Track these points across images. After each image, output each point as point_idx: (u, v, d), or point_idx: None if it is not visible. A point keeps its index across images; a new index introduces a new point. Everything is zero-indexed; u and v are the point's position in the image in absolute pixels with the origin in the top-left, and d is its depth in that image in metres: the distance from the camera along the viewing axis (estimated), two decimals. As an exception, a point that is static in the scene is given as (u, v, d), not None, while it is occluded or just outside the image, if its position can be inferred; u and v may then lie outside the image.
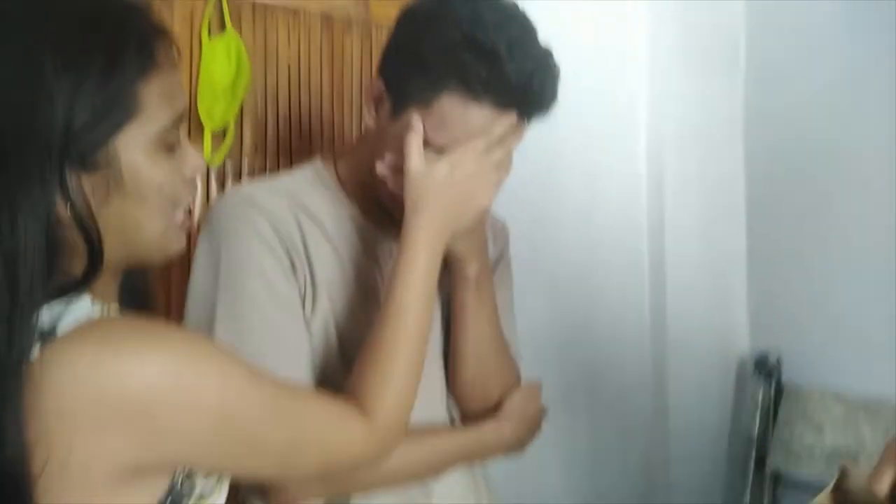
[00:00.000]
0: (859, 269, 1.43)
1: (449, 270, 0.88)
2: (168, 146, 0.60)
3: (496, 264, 0.99)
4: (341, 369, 0.81)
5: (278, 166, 1.24)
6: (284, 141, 1.27)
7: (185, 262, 0.89)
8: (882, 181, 1.38)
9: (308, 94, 1.29)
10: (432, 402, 0.91)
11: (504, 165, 0.81)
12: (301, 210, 0.85)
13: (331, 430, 0.69)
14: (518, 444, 0.97)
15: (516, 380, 0.97)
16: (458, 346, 0.90)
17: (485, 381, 0.91)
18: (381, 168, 0.81)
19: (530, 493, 1.40)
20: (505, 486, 1.09)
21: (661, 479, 1.56)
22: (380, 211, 0.87)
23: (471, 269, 0.87)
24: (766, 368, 1.56)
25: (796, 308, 1.54)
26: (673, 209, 1.53)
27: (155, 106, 0.58)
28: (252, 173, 1.23)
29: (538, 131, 0.83)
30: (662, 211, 1.54)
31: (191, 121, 1.16)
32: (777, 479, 1.54)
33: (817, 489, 1.53)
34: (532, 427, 0.97)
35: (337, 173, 0.91)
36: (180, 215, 0.64)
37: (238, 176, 1.22)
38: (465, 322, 0.89)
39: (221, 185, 1.21)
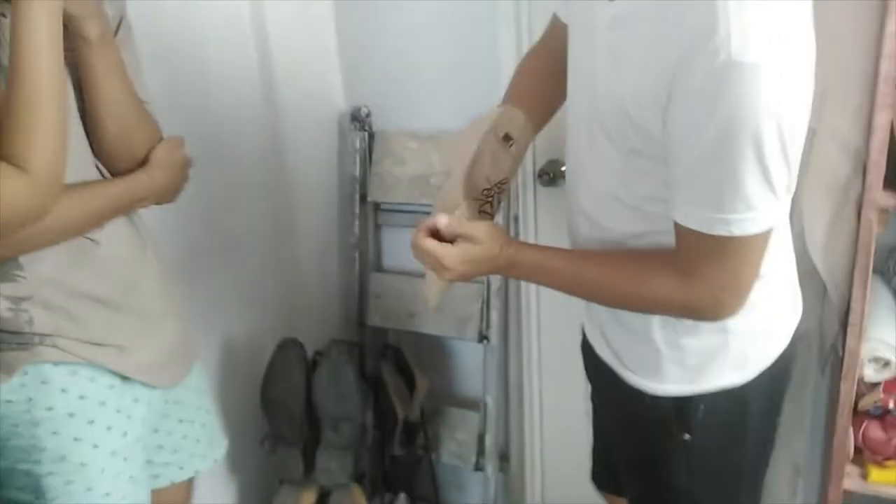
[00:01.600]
0: (428, 30, 1.75)
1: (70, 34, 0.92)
2: None
3: (117, 24, 1.05)
4: None
5: None
6: None
7: None
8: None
9: None
10: (82, 165, 0.98)
11: None
12: None
13: None
14: (170, 191, 1.10)
15: (158, 134, 1.08)
16: (94, 108, 0.97)
17: (128, 138, 1.00)
18: None
19: (175, 242, 1.56)
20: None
21: (287, 222, 1.84)
22: None
23: (91, 30, 0.92)
24: (359, 119, 1.88)
25: (380, 65, 1.84)
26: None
27: None
28: None
29: None
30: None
31: None
32: (377, 207, 1.94)
33: (406, 212, 1.96)
34: (181, 175, 1.12)
35: None
36: None
37: None
38: (96, 83, 0.95)
39: None
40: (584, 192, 1.02)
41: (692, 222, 0.83)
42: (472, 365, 1.93)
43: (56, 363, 0.99)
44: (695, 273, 0.86)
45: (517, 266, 0.98)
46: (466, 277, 0.97)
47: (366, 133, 1.89)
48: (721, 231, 0.81)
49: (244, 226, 1.73)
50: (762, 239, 0.83)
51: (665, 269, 0.89)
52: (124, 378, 1.05)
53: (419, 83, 1.81)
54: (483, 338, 1.79)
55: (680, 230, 0.86)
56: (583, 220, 1.04)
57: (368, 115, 1.89)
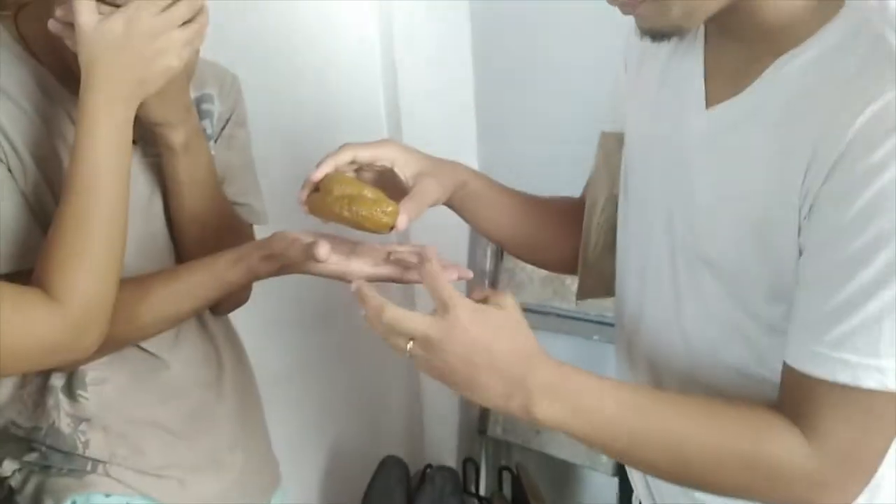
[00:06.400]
0: (563, 124, 1.59)
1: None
2: None
3: (225, 122, 0.97)
4: None
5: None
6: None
7: None
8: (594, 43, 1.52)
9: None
10: None
11: (195, 22, 0.75)
12: None
13: (4, 315, 0.65)
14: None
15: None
16: (175, 215, 0.88)
17: (207, 250, 0.88)
18: (54, 25, 0.73)
19: (285, 345, 1.47)
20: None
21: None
22: (71, 73, 0.78)
23: (174, 136, 0.83)
24: (495, 210, 1.74)
25: (519, 157, 1.71)
26: (405, 64, 1.57)
27: None
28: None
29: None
30: (395, 67, 1.58)
31: None
32: (507, 304, 1.78)
33: (537, 313, 1.75)
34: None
35: (18, 29, 0.81)
36: None
37: None
38: (177, 192, 0.86)
39: None
40: (667, 351, 0.76)
41: (824, 369, 0.59)
42: (603, 500, 1.66)
43: (108, 494, 0.89)
44: (820, 432, 0.61)
45: (559, 395, 0.62)
46: (472, 395, 0.62)
47: (500, 225, 1.73)
48: (871, 382, 0.58)
49: (362, 324, 1.61)
50: None
51: (782, 423, 0.62)
52: (183, 513, 0.94)
53: (560, 177, 1.62)
54: (619, 472, 1.53)
55: (798, 380, 0.62)
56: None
57: (505, 205, 1.73)
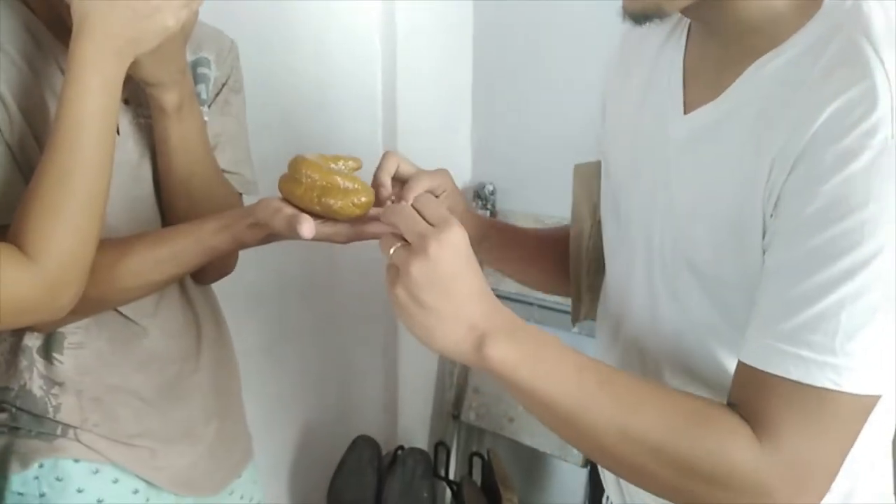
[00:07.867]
0: (557, 115, 1.60)
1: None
2: None
3: (221, 87, 0.94)
4: None
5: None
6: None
7: None
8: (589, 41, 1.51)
9: None
10: None
11: None
12: None
13: None
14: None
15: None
16: (163, 179, 0.86)
17: (195, 216, 0.86)
18: None
19: (267, 316, 1.47)
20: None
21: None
22: (64, 25, 0.75)
23: (167, 98, 0.81)
24: (483, 196, 1.73)
25: (508, 145, 1.70)
26: (404, 50, 1.56)
27: None
28: None
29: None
30: (395, 52, 1.56)
31: None
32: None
33: (519, 302, 1.76)
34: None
35: None
36: None
37: None
38: (167, 154, 0.84)
39: None
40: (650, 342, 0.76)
41: (776, 364, 0.57)
42: (572, 491, 1.68)
43: (76, 460, 0.87)
44: (771, 432, 0.57)
45: (516, 338, 0.60)
46: (419, 317, 0.59)
47: (488, 212, 1.73)
48: (824, 381, 0.56)
49: (343, 303, 1.61)
50: (871, 404, 0.57)
51: (735, 419, 0.59)
52: (151, 483, 0.93)
53: (544, 166, 1.62)
54: (588, 463, 1.54)
55: (750, 376, 0.59)
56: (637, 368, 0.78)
57: (493, 192, 1.73)
